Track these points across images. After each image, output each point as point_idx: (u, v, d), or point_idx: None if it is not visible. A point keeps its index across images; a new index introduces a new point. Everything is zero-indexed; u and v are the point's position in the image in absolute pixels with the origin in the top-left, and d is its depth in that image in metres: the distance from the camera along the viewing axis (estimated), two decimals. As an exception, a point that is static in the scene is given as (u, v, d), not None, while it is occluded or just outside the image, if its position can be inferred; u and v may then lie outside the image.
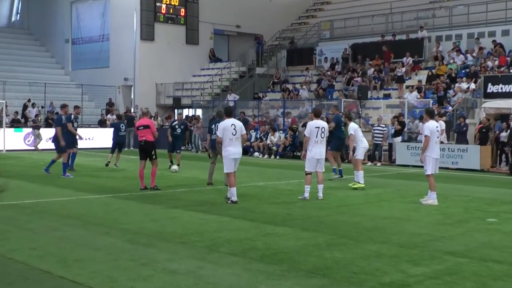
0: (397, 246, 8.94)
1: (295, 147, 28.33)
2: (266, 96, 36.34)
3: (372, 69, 33.51)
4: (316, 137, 13.73)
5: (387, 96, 31.60)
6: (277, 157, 27.90)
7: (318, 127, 13.78)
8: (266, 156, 28.74)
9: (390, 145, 25.37)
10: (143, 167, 15.26)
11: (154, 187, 15.10)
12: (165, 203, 13.03)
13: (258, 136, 29.88)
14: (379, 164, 24.63)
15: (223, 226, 10.36)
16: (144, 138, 15.07)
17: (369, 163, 24.66)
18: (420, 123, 13.70)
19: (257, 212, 12.07)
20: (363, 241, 9.23)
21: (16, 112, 34.22)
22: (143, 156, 15.26)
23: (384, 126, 25.47)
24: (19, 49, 44.36)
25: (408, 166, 23.37)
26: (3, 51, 42.81)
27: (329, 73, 35.49)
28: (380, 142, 25.13)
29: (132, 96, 39.94)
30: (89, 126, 36.41)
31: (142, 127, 15.19)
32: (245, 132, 13.32)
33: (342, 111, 24.92)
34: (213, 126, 15.83)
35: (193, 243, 8.95)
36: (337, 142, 18.50)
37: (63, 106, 18.86)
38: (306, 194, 13.82)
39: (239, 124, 13.27)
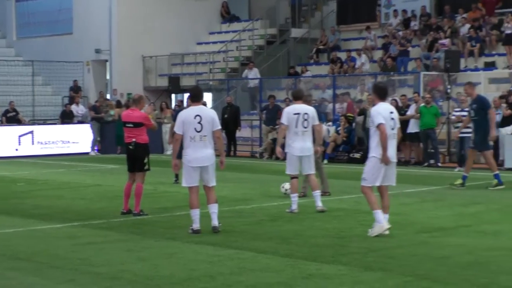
0: (506, 290, 8.92)
1: (351, 147, 28.23)
2: (307, 71, 36.28)
3: (467, 26, 33.26)
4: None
5: (490, 66, 31.40)
6: (325, 160, 27.85)
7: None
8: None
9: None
10: (132, 182, 15.28)
11: (139, 213, 15.07)
12: (158, 234, 13.09)
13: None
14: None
15: (244, 266, 10.41)
16: (134, 140, 15.05)
17: (457, 168, 23.49)
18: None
19: (294, 243, 12.10)
20: (456, 284, 9.22)
21: None
22: (131, 165, 15.29)
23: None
24: None
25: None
26: None
27: (401, 33, 35.35)
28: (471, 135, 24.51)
29: (107, 76, 40.20)
30: (44, 122, 36.53)
31: (131, 125, 15.08)
32: (219, 127, 13.05)
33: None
34: None
35: (200, 292, 9.01)
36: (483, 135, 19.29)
37: None
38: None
39: (208, 114, 12.94)
